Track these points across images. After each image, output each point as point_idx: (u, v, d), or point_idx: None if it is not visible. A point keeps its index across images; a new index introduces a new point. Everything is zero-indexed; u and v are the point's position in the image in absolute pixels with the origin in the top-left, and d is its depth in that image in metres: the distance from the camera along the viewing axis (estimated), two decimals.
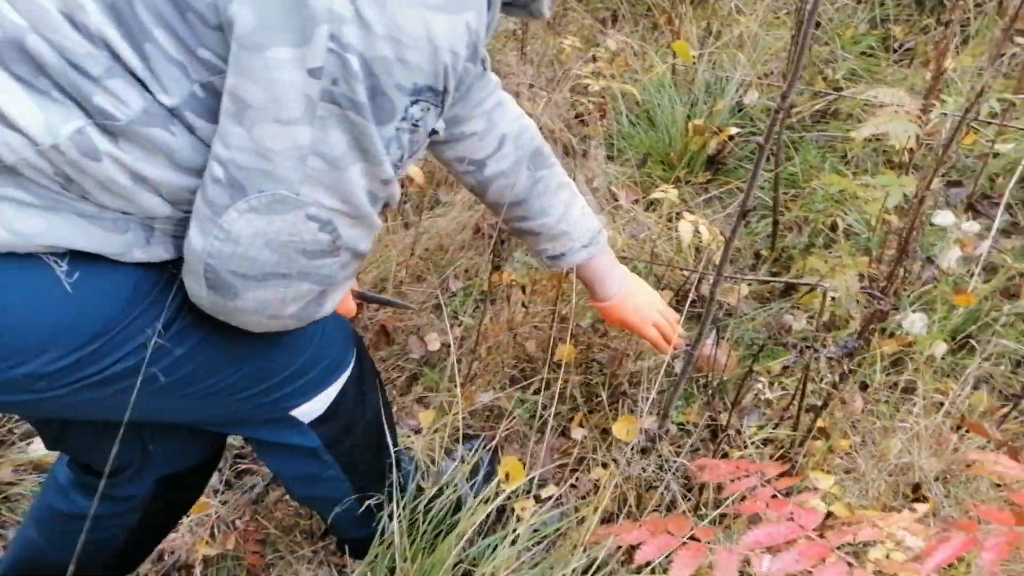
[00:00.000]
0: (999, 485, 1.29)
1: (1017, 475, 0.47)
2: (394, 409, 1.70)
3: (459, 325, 1.88)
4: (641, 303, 1.33)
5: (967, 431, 1.44)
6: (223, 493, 1.60)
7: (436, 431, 1.61)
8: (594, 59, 2.19)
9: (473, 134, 1.11)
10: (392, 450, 1.18)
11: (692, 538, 0.58)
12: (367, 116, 0.68)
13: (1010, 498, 0.45)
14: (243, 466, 1.63)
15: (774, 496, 0.61)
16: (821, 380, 1.42)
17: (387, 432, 1.15)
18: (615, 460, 1.38)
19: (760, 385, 1.56)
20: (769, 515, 0.57)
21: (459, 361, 1.78)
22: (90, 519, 1.05)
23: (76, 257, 0.73)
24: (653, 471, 1.38)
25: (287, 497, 1.55)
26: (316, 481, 1.08)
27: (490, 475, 1.51)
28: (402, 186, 2.04)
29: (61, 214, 0.70)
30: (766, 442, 1.43)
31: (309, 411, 0.99)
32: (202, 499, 1.52)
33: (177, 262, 0.79)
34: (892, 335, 1.62)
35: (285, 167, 0.68)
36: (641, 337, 1.39)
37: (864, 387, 1.54)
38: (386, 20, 0.64)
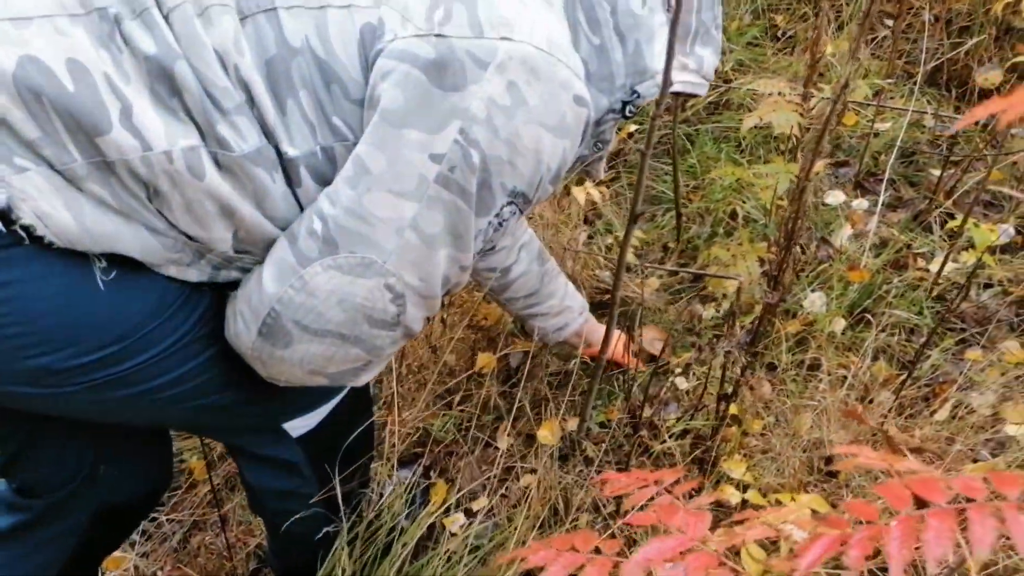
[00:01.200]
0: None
1: (879, 466, 0.49)
2: None
3: None
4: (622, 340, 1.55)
5: (871, 401, 1.52)
6: (142, 544, 1.54)
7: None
8: None
9: (503, 248, 1.33)
10: (361, 475, 1.18)
11: (598, 550, 0.59)
12: (471, 205, 0.77)
13: (877, 490, 0.47)
14: (163, 516, 1.57)
15: (671, 503, 0.62)
16: (732, 365, 1.46)
17: (365, 453, 1.17)
18: (534, 471, 1.39)
19: (675, 376, 1.60)
20: (666, 525, 0.59)
21: (380, 382, 1.76)
22: (17, 552, 1.04)
23: (114, 259, 0.74)
24: (578, 474, 1.40)
25: (210, 541, 1.50)
26: (290, 496, 1.08)
27: (425, 498, 1.50)
28: None
29: (133, 224, 0.72)
30: (685, 432, 1.47)
31: (300, 426, 1.00)
32: (118, 554, 1.46)
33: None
34: (795, 316, 1.68)
35: (383, 235, 0.74)
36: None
37: (772, 368, 1.60)
38: (510, 128, 0.74)
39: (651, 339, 1.68)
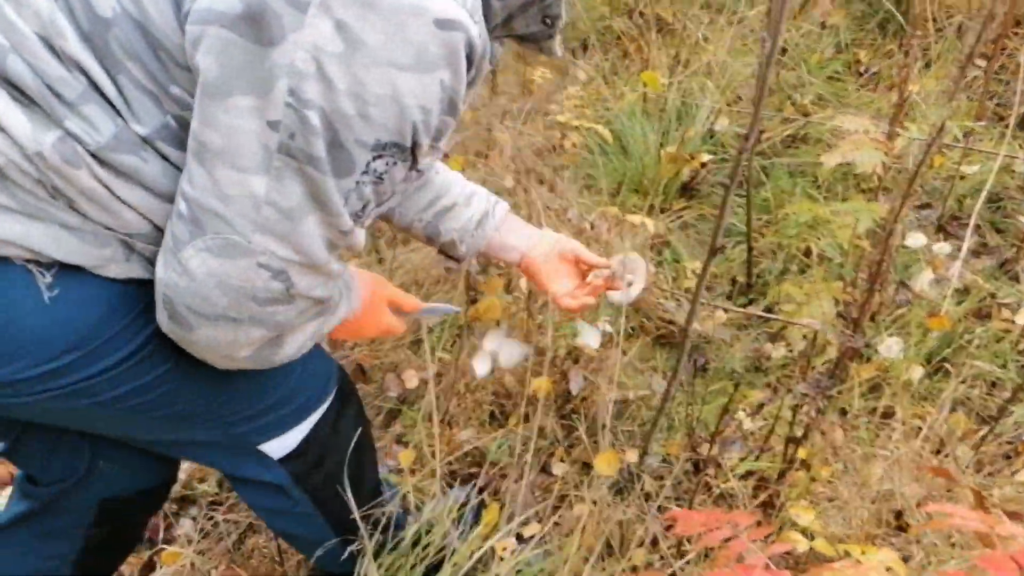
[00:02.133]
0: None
1: (975, 527, 0.46)
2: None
3: (437, 361, 1.85)
4: (546, 251, 1.22)
5: (947, 455, 1.44)
6: (199, 542, 1.56)
7: (413, 471, 1.58)
8: (565, 88, 2.20)
9: (417, 189, 1.14)
10: (371, 486, 1.17)
11: None
12: (324, 169, 0.68)
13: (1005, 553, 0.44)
14: (220, 515, 1.59)
15: (752, 543, 0.60)
16: (800, 408, 1.41)
17: (366, 467, 1.14)
18: (595, 502, 1.36)
19: (741, 415, 1.56)
20: None
21: (437, 398, 1.76)
22: (31, 542, 1.06)
23: (60, 270, 0.73)
24: (635, 509, 1.37)
25: (264, 544, 1.52)
26: (286, 514, 1.07)
27: (477, 519, 1.49)
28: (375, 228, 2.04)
29: (43, 223, 0.70)
30: (748, 474, 1.42)
31: (279, 447, 0.98)
32: (175, 548, 1.48)
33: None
34: (869, 360, 1.62)
35: (239, 213, 0.68)
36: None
37: (843, 413, 1.54)
38: (349, 77, 0.64)
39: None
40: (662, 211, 2.12)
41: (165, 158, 0.72)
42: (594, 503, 1.35)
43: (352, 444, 1.08)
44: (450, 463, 1.62)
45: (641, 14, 2.65)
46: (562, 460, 1.60)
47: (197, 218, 0.69)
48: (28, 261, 0.72)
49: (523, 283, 1.74)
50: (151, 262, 0.76)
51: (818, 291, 1.62)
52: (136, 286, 0.78)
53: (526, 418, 1.68)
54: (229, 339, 0.75)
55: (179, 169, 0.72)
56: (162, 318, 0.76)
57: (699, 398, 1.57)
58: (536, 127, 2.24)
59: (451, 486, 1.59)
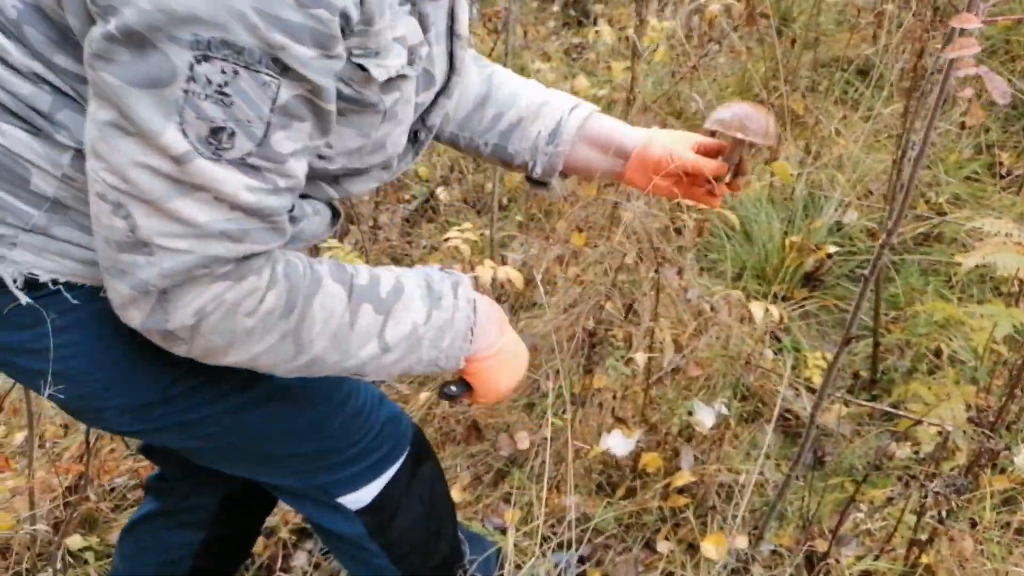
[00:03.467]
0: None
1: None
2: (480, 505, 1.72)
3: (549, 426, 1.90)
4: (671, 137, 1.03)
5: None
6: (312, 575, 1.65)
7: (519, 530, 1.62)
8: None
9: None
10: (450, 545, 1.17)
11: None
12: (129, 75, 0.59)
13: None
14: None
15: None
16: (926, 513, 1.36)
17: (443, 525, 1.14)
18: None
19: (861, 514, 1.51)
20: None
21: (546, 462, 1.80)
22: (160, 532, 1.18)
23: None
24: None
25: None
26: (365, 564, 1.09)
27: None
28: (500, 287, 2.14)
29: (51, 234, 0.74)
30: (865, 574, 1.37)
31: (356, 500, 1.01)
32: None
33: None
34: (1003, 471, 1.54)
35: (87, 135, 0.64)
36: (684, 171, 0.99)
37: (973, 524, 1.46)
38: None
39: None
40: (784, 299, 2.11)
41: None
42: None
43: (428, 503, 1.09)
44: (553, 527, 1.64)
45: (772, 105, 2.70)
46: (667, 538, 1.60)
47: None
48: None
49: (639, 357, 1.78)
50: None
51: (949, 393, 1.57)
52: None
53: (634, 492, 1.69)
54: (117, 295, 0.69)
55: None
56: None
57: (815, 491, 1.54)
58: (661, 207, 2.31)
59: (553, 551, 1.61)
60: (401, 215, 2.71)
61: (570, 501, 1.69)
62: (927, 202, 2.30)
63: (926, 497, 1.15)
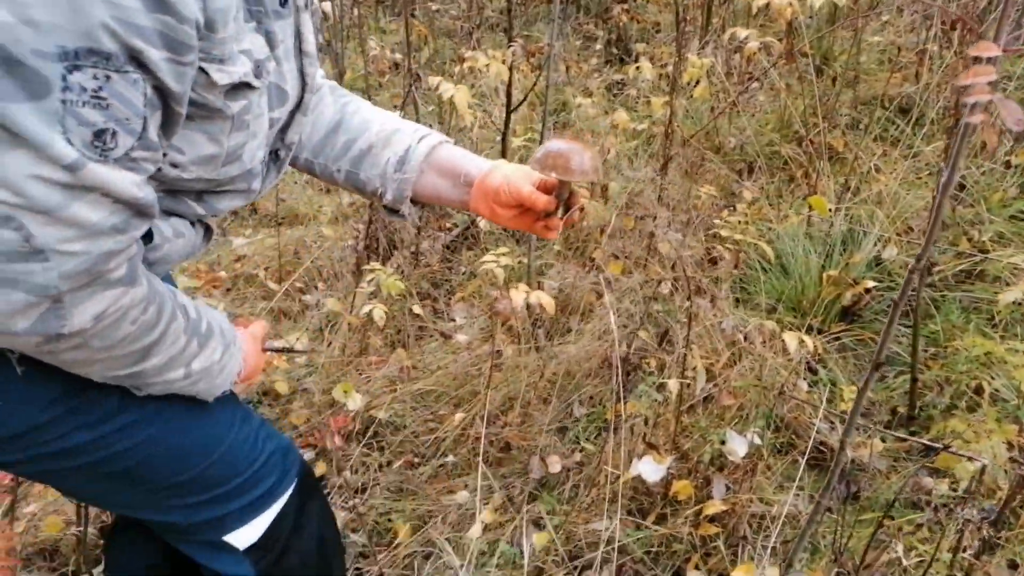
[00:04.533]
0: None
1: None
2: (511, 528, 1.74)
3: (580, 451, 1.91)
4: (513, 169, 1.04)
5: None
6: None
7: (547, 553, 1.63)
8: (732, 208, 2.29)
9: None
10: None
11: None
12: (7, 93, 0.61)
13: None
14: (364, 566, 1.71)
15: None
16: (964, 550, 1.34)
17: (332, 567, 1.11)
18: None
19: (896, 551, 1.48)
20: None
21: (577, 486, 1.81)
22: (137, 539, 1.13)
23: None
24: None
25: None
26: None
27: None
28: (532, 312, 2.18)
29: None
30: None
31: (244, 537, 0.98)
32: None
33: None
34: None
35: None
36: (520, 203, 1.01)
37: (1014, 567, 1.43)
38: None
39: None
40: (819, 332, 2.11)
41: None
42: None
43: (318, 542, 1.06)
44: (581, 552, 1.65)
45: (811, 142, 2.72)
46: (697, 567, 1.59)
47: None
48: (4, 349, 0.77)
49: (671, 384, 1.79)
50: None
51: (989, 431, 1.55)
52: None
53: (664, 519, 1.69)
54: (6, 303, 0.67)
55: None
56: None
57: (848, 525, 1.52)
58: (698, 239, 2.33)
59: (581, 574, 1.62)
60: (442, 242, 2.78)
61: (602, 525, 1.69)
62: (969, 240, 2.28)
63: (962, 532, 1.13)
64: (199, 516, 0.95)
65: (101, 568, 1.67)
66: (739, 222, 2.21)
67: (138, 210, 0.71)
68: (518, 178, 1.00)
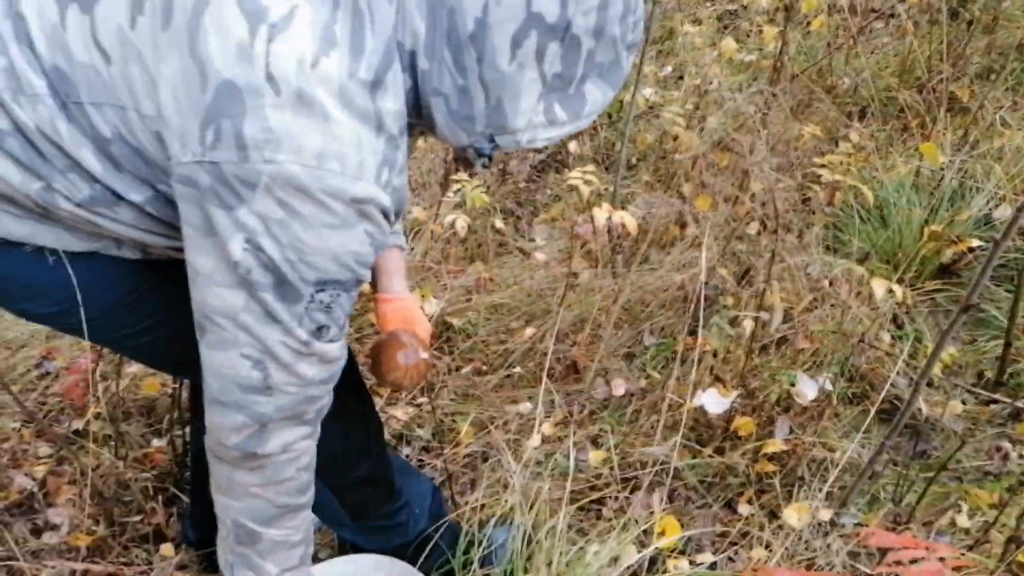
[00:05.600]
0: None
1: None
2: (569, 443, 1.78)
3: (646, 378, 1.93)
4: (418, 319, 1.28)
5: None
6: None
7: (600, 468, 1.67)
8: (836, 144, 2.17)
9: None
10: (374, 463, 1.32)
11: None
12: (275, 295, 0.87)
13: None
14: (428, 459, 1.80)
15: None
16: None
17: (370, 440, 1.30)
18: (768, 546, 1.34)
19: (961, 511, 1.45)
20: None
21: (639, 411, 1.83)
22: None
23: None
24: (820, 558, 1.34)
25: (458, 493, 1.68)
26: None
27: None
28: (616, 237, 2.16)
29: (46, 224, 0.93)
30: (955, 569, 1.32)
31: None
32: None
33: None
34: None
35: (224, 316, 0.89)
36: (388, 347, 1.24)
37: None
38: (290, 236, 0.84)
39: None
40: (911, 287, 2.01)
41: (138, 208, 0.91)
42: (772, 548, 1.34)
43: (348, 413, 1.19)
44: (636, 475, 1.68)
45: (933, 90, 2.54)
46: (750, 502, 1.60)
47: (200, 324, 0.92)
48: (36, 249, 0.95)
49: (747, 324, 1.76)
50: (143, 249, 0.98)
51: None
52: (128, 263, 1.00)
53: (722, 451, 1.70)
54: (218, 422, 0.95)
55: (149, 217, 0.92)
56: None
57: (911, 480, 1.49)
58: (793, 179, 2.24)
59: (627, 498, 1.65)
60: (531, 163, 2.78)
61: (659, 450, 1.72)
62: None
63: None
64: None
65: (190, 428, 1.83)
66: (840, 162, 2.10)
67: (337, 369, 0.98)
68: (398, 322, 1.25)
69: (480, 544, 1.38)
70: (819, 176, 2.12)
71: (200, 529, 1.50)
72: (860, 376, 1.76)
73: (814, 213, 2.23)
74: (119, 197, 0.89)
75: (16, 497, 1.73)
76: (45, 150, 0.86)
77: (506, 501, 1.51)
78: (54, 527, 1.70)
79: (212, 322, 0.90)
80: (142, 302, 1.03)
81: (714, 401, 1.62)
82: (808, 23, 2.53)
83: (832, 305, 1.88)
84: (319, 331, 0.91)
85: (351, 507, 1.34)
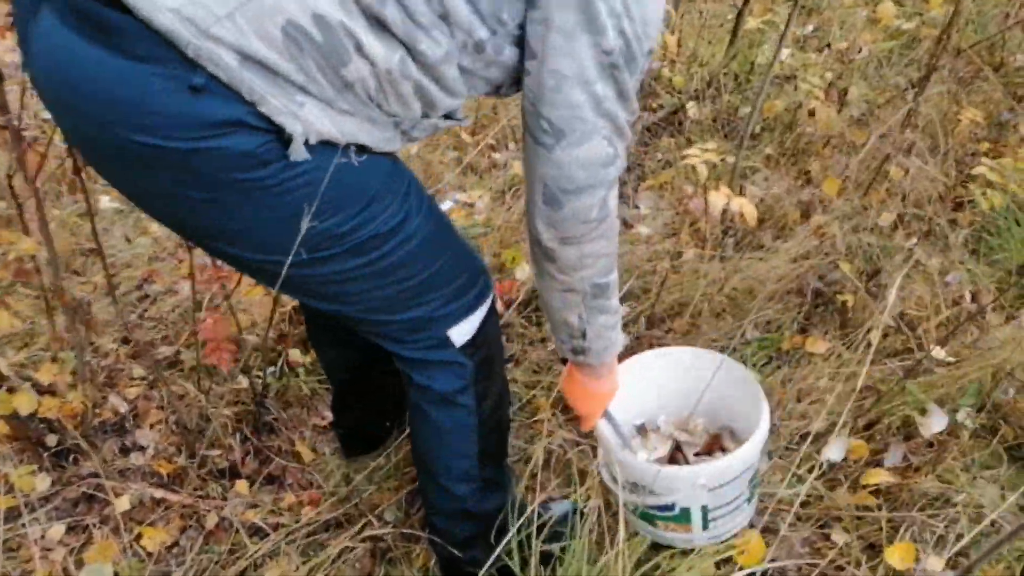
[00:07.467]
0: None
1: None
2: None
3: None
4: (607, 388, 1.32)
5: None
6: None
7: None
8: (998, 129, 1.89)
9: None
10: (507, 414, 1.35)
11: None
12: (630, 71, 0.97)
13: None
14: None
15: None
16: None
17: (505, 388, 1.32)
18: None
19: None
20: None
21: None
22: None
23: (358, 148, 0.99)
24: None
25: None
26: (453, 406, 1.21)
27: None
28: (726, 219, 1.98)
29: (359, 119, 0.96)
30: None
31: (461, 333, 1.16)
32: None
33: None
34: None
35: (587, 113, 0.97)
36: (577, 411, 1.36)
37: None
38: (640, 10, 0.94)
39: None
40: None
41: (462, 68, 0.97)
42: None
43: (500, 348, 1.27)
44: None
45: None
46: (847, 530, 1.45)
47: (560, 128, 0.98)
48: (347, 147, 0.96)
49: (872, 336, 1.58)
50: (403, 136, 1.03)
51: None
52: (394, 159, 1.06)
53: (823, 470, 1.55)
54: (586, 204, 1.02)
55: (465, 73, 0.98)
56: (539, 203, 1.04)
57: None
58: (945, 171, 1.98)
59: None
60: (644, 123, 2.59)
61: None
62: None
63: None
64: (436, 310, 1.13)
65: (272, 369, 1.83)
66: (1000, 157, 1.83)
67: None
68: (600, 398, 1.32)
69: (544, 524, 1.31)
70: (973, 170, 1.86)
71: (348, 439, 1.67)
72: (995, 407, 1.55)
73: (962, 210, 1.97)
74: (465, 44, 0.95)
75: (109, 416, 1.78)
76: (417, 8, 0.90)
77: (586, 490, 1.44)
78: (141, 448, 1.76)
79: (576, 119, 0.97)
80: (395, 190, 1.06)
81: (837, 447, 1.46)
82: None
83: (975, 321, 1.66)
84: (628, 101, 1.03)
85: (493, 446, 1.34)
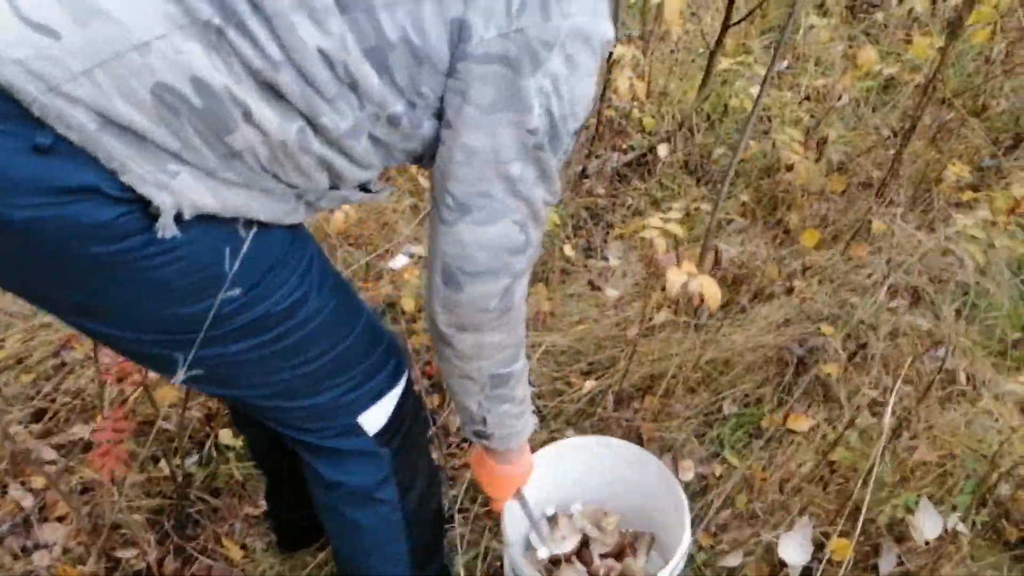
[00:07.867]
0: None
1: None
2: None
3: (722, 462, 1.63)
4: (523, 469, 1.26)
5: None
6: None
7: None
8: (976, 188, 1.78)
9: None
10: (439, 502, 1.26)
11: None
12: (552, 152, 0.91)
13: None
14: None
15: None
16: None
17: (434, 476, 1.23)
18: None
19: None
20: None
21: (710, 502, 1.54)
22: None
23: (251, 224, 0.90)
24: None
25: None
26: (373, 503, 1.11)
27: None
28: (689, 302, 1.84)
29: (252, 191, 0.86)
30: None
31: (374, 420, 1.07)
32: None
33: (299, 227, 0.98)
34: None
35: (502, 190, 0.91)
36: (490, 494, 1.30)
37: None
38: (571, 91, 0.87)
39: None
40: None
41: (375, 139, 0.89)
42: None
43: (424, 423, 1.18)
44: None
45: None
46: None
47: (464, 204, 0.91)
48: (234, 219, 0.87)
49: (864, 417, 1.43)
50: (307, 206, 0.94)
51: None
52: (295, 230, 0.95)
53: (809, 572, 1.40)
54: (487, 290, 0.96)
55: (378, 145, 0.89)
56: (438, 281, 0.96)
57: None
58: (927, 224, 1.86)
59: None
60: (612, 164, 2.45)
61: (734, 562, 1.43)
62: None
63: None
64: (343, 396, 1.03)
65: (196, 456, 1.65)
66: (985, 221, 1.71)
67: None
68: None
69: None
70: (951, 228, 1.74)
71: (283, 531, 1.52)
72: (996, 502, 1.41)
73: (946, 272, 1.85)
74: (378, 116, 0.87)
75: (12, 509, 1.59)
76: (318, 76, 0.81)
77: None
78: (46, 546, 1.57)
79: (484, 197, 0.91)
80: (293, 266, 0.97)
81: (795, 547, 1.32)
82: (971, 36, 2.09)
83: (969, 403, 1.53)
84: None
85: (427, 541, 1.27)
